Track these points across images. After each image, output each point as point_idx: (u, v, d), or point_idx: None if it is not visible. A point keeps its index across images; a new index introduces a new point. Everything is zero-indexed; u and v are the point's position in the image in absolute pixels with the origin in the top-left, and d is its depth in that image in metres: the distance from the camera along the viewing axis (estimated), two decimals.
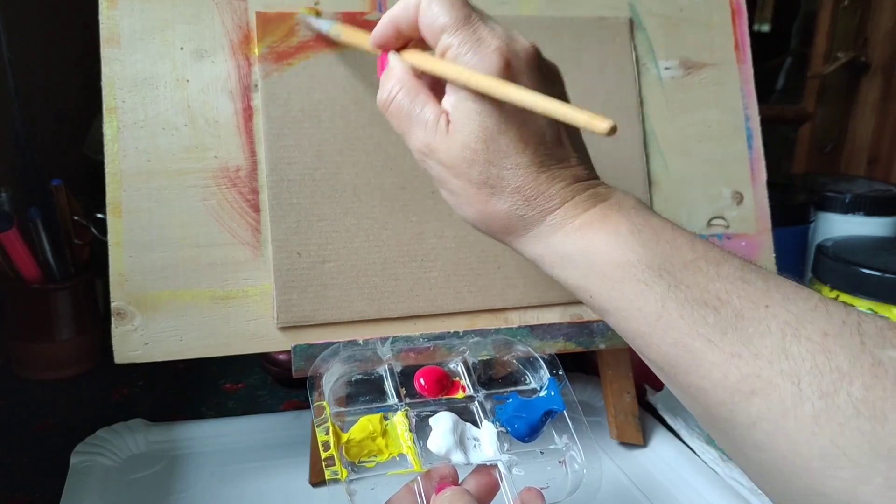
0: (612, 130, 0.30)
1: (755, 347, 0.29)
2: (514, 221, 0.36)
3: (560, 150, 0.36)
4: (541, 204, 0.35)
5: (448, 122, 0.35)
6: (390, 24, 0.38)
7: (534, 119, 0.35)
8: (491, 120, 0.34)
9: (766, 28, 1.13)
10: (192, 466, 0.53)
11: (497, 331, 0.50)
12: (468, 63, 0.34)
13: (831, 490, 0.26)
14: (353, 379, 0.42)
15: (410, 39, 0.39)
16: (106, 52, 0.47)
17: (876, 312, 0.60)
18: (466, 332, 0.50)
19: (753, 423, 0.29)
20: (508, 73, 0.34)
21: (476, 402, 0.41)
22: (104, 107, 0.46)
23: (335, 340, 0.47)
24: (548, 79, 0.37)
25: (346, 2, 0.51)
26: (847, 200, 0.77)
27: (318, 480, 0.50)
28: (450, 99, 0.36)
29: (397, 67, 0.38)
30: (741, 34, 0.59)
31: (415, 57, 0.38)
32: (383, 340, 0.47)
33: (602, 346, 0.53)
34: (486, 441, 0.39)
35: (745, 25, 0.59)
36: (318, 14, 0.49)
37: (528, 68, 0.35)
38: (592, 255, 0.34)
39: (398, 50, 0.39)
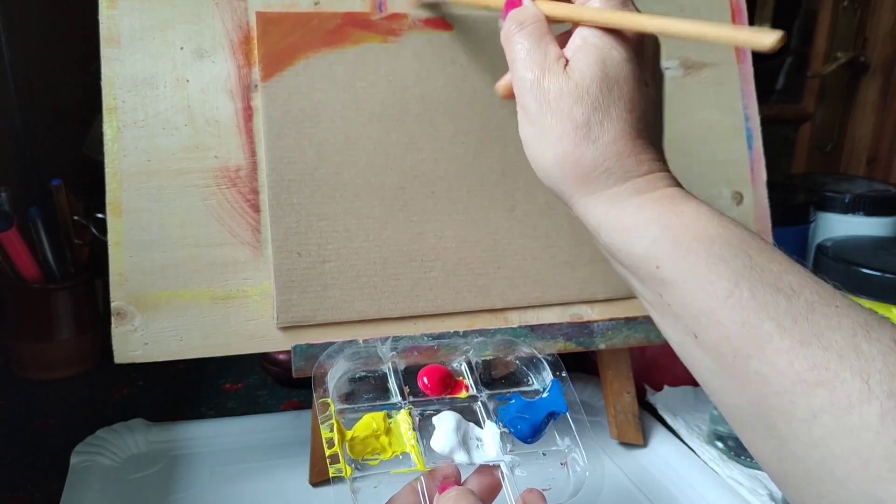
0: (782, 40, 0.30)
1: (826, 339, 0.28)
2: (596, 172, 0.35)
3: (654, 132, 0.37)
4: (629, 165, 0.35)
5: (566, 64, 0.36)
6: None
7: (646, 92, 0.36)
8: (613, 68, 0.35)
9: (766, 28, 1.13)
10: (191, 466, 0.53)
11: (497, 331, 0.50)
12: (599, 6, 0.36)
13: (889, 496, 0.25)
14: (357, 376, 0.42)
15: None
16: (106, 51, 0.47)
17: (875, 312, 0.60)
18: (469, 332, 0.50)
19: (814, 415, 0.28)
20: (630, 5, 0.36)
21: (479, 403, 0.41)
22: (104, 107, 0.46)
23: (335, 340, 0.47)
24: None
25: (347, 2, 0.51)
26: (847, 200, 0.77)
27: (318, 480, 0.50)
28: (575, 42, 0.36)
29: (531, 6, 0.38)
30: None
31: (546, 4, 0.38)
32: (383, 340, 0.47)
33: (602, 346, 0.53)
34: (488, 441, 0.39)
35: (745, 25, 0.59)
36: None
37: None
38: (671, 224, 0.34)
39: None
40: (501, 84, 0.42)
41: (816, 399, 0.27)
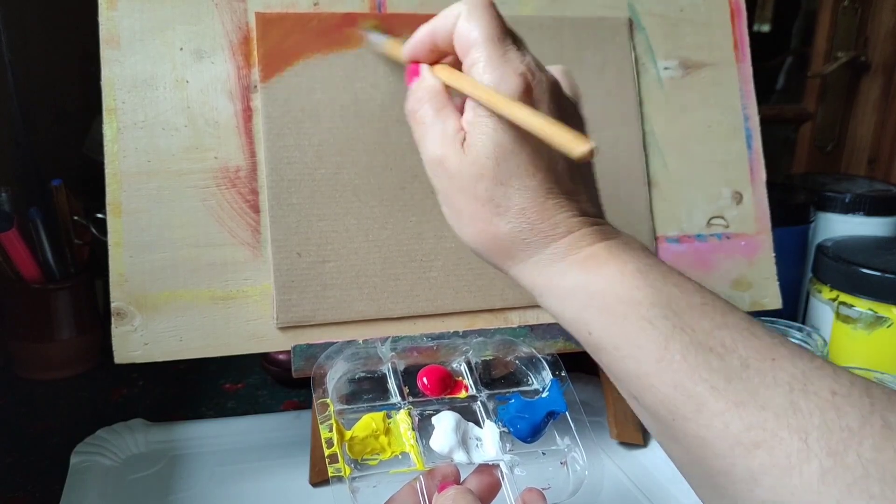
0: (589, 154, 0.30)
1: (761, 398, 0.27)
2: (515, 245, 0.35)
3: (570, 182, 0.36)
4: (545, 230, 0.34)
5: (464, 138, 0.35)
6: (427, 36, 0.39)
7: (548, 147, 0.34)
8: (505, 138, 0.34)
9: (766, 28, 1.13)
10: (191, 466, 0.53)
11: (497, 330, 0.50)
12: (490, 81, 0.34)
13: None
14: (357, 377, 0.42)
15: (445, 54, 0.39)
16: (105, 52, 0.47)
17: (876, 312, 0.60)
18: (469, 332, 0.50)
19: (754, 478, 0.27)
20: (528, 97, 0.34)
21: (479, 402, 0.41)
22: (104, 107, 0.46)
23: (335, 340, 0.47)
24: (566, 111, 0.36)
25: (346, 2, 0.51)
26: (847, 200, 0.77)
27: (318, 480, 0.50)
28: (468, 115, 0.35)
29: (429, 79, 0.38)
30: (740, 34, 0.59)
31: (442, 72, 0.38)
32: (383, 340, 0.47)
33: None
34: (488, 441, 0.39)
35: (745, 25, 0.59)
36: (377, 29, 0.50)
37: (548, 98, 0.35)
38: (596, 289, 0.33)
39: (431, 64, 0.40)
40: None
41: (756, 461, 0.27)
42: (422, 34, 0.39)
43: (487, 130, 0.34)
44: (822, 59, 1.07)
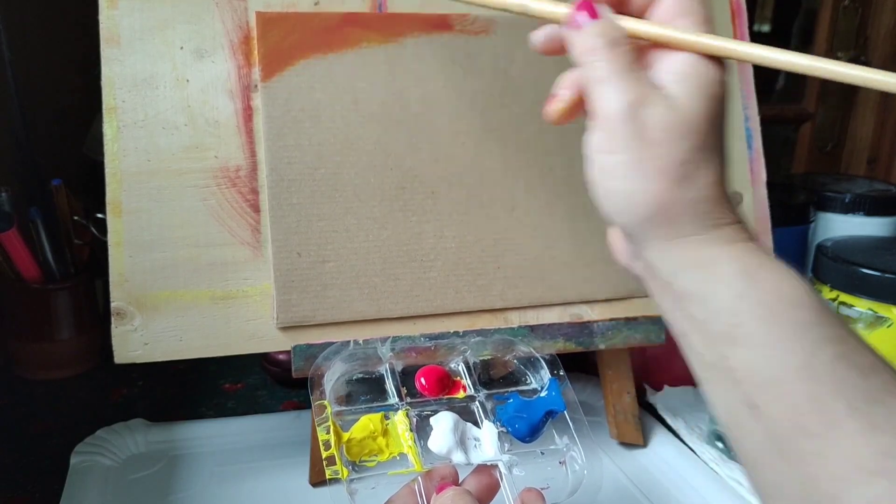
0: None
1: None
2: (686, 217, 0.32)
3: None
4: (719, 212, 0.32)
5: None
6: None
7: None
8: (717, 103, 0.32)
9: (766, 28, 1.13)
10: (191, 466, 0.53)
11: (497, 331, 0.50)
12: (695, 29, 0.32)
13: None
14: (354, 378, 0.42)
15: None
16: (106, 51, 0.47)
17: (875, 312, 0.60)
18: (467, 332, 0.50)
19: None
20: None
21: (477, 402, 0.41)
22: (104, 107, 0.46)
23: (335, 340, 0.47)
24: None
25: (347, 2, 0.51)
26: (847, 200, 0.77)
27: (318, 480, 0.50)
28: (671, 67, 0.32)
29: (617, 21, 0.34)
30: (741, 34, 0.59)
31: (629, 21, 0.34)
32: (383, 340, 0.47)
33: (602, 346, 0.53)
34: (486, 441, 0.39)
35: (745, 25, 0.59)
36: None
37: None
38: (758, 281, 0.31)
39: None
40: (558, 108, 0.36)
41: (873, 489, 0.25)
42: None
43: (702, 89, 0.32)
44: None
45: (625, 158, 0.32)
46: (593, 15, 0.34)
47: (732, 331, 0.31)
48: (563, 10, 0.35)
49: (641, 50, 0.34)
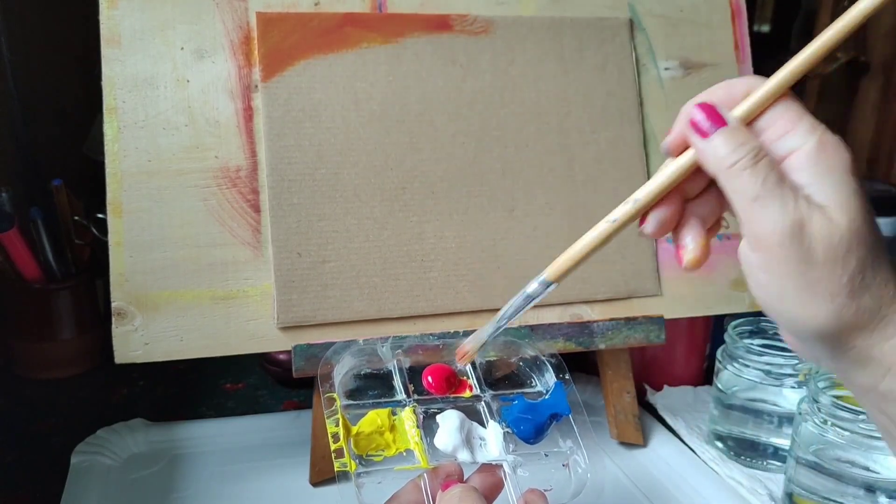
0: None
1: None
2: (874, 321, 0.30)
3: None
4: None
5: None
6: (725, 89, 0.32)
7: None
8: (862, 193, 0.30)
9: (766, 28, 1.13)
10: (192, 466, 0.53)
11: None
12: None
13: None
14: (363, 373, 0.42)
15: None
16: (106, 52, 0.47)
17: None
18: (472, 332, 0.50)
19: None
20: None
21: (483, 402, 0.41)
22: (104, 107, 0.47)
23: (335, 340, 0.47)
24: None
25: (347, 2, 0.51)
26: None
27: (318, 480, 0.50)
28: (804, 164, 0.30)
29: (744, 128, 0.31)
30: (741, 34, 0.59)
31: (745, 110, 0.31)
32: (383, 340, 0.47)
33: (602, 346, 0.53)
34: (491, 441, 0.39)
35: (745, 26, 0.59)
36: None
37: None
38: None
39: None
40: (691, 259, 0.33)
41: None
42: (718, 87, 0.32)
43: (849, 186, 0.30)
44: None
45: (795, 283, 0.30)
46: (717, 118, 0.31)
47: None
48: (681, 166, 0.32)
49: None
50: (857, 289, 0.30)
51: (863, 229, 0.30)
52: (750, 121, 0.31)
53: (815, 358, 0.33)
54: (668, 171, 0.32)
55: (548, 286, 0.35)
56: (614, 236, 0.33)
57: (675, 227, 0.33)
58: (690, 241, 0.33)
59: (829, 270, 0.29)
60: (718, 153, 0.30)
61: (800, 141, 0.30)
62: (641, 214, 0.33)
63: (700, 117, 0.31)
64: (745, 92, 0.31)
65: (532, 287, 0.36)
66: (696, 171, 0.32)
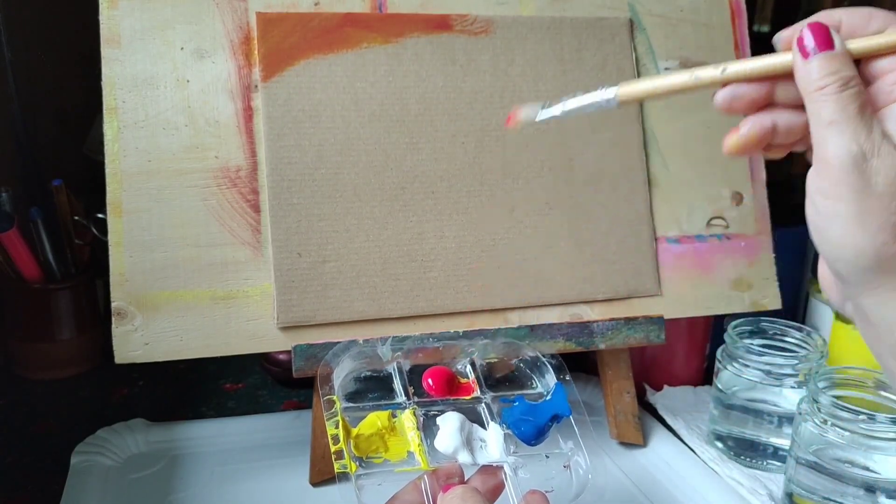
0: None
1: None
2: None
3: None
4: None
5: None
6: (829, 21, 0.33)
7: None
8: None
9: (766, 28, 1.13)
10: (192, 466, 0.53)
11: (498, 331, 0.50)
12: None
13: None
14: (362, 375, 0.42)
15: None
16: (106, 52, 0.47)
17: None
18: (472, 333, 0.50)
19: None
20: None
21: (483, 404, 0.41)
22: (104, 107, 0.47)
23: (335, 340, 0.47)
24: None
25: (347, 2, 0.51)
26: None
27: (318, 480, 0.50)
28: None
29: (848, 57, 0.32)
30: (741, 34, 0.59)
31: (860, 42, 0.32)
32: (383, 341, 0.47)
33: (602, 346, 0.53)
34: (492, 442, 0.39)
35: (745, 26, 0.59)
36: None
37: None
38: None
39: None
40: (733, 143, 0.34)
41: None
42: (822, 21, 0.33)
43: None
44: None
45: (846, 209, 0.31)
46: (825, 42, 0.32)
47: None
48: (778, 61, 0.33)
49: (869, 93, 0.32)
50: None
51: None
52: (870, 57, 0.32)
53: (849, 295, 0.34)
54: (765, 60, 0.33)
55: (610, 103, 0.35)
56: (689, 91, 0.34)
57: (745, 114, 0.34)
58: (747, 129, 0.33)
59: (885, 204, 0.30)
60: (812, 75, 0.31)
61: None
62: (722, 85, 0.33)
63: (808, 37, 0.32)
64: (880, 27, 0.32)
65: (609, 94, 0.35)
66: (791, 79, 0.32)
